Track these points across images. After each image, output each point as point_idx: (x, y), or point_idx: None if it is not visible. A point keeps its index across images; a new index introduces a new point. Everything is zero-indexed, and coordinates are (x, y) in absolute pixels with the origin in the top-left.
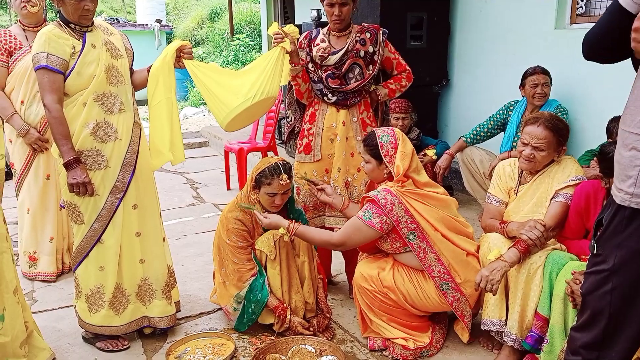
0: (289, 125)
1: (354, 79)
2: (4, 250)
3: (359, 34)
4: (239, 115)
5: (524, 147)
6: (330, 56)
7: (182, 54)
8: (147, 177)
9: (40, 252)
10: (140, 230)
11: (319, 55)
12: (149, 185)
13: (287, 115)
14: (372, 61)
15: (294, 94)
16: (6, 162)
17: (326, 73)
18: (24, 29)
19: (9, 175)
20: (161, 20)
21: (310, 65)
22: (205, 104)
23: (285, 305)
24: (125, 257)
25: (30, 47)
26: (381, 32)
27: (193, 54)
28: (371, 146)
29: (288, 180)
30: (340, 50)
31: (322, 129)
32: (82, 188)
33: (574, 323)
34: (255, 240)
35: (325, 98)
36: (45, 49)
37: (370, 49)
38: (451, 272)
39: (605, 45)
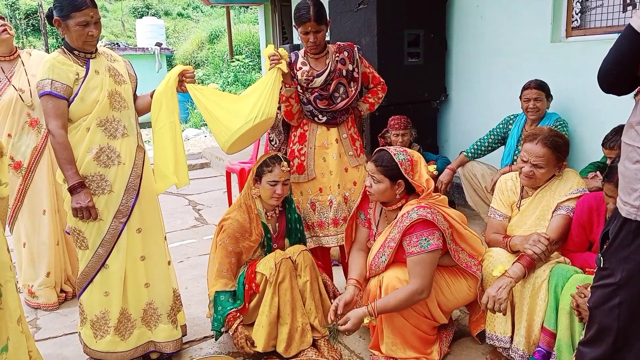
0: (274, 148)
1: (339, 98)
2: (7, 279)
3: (337, 54)
4: (240, 137)
5: (523, 164)
6: (315, 79)
7: (184, 78)
8: (151, 201)
9: (39, 287)
10: (145, 254)
11: (304, 79)
12: (153, 208)
13: (272, 138)
14: (354, 78)
15: (284, 116)
16: None
17: (314, 95)
18: None
19: None
20: (161, 44)
21: (297, 88)
22: (206, 125)
23: (237, 314)
24: (130, 282)
25: (8, 79)
26: (356, 48)
27: (195, 78)
28: (387, 166)
29: (288, 169)
30: (324, 72)
31: (314, 149)
32: (86, 212)
33: (582, 337)
34: (253, 257)
35: (315, 119)
36: (49, 75)
37: (350, 67)
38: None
39: (624, 78)
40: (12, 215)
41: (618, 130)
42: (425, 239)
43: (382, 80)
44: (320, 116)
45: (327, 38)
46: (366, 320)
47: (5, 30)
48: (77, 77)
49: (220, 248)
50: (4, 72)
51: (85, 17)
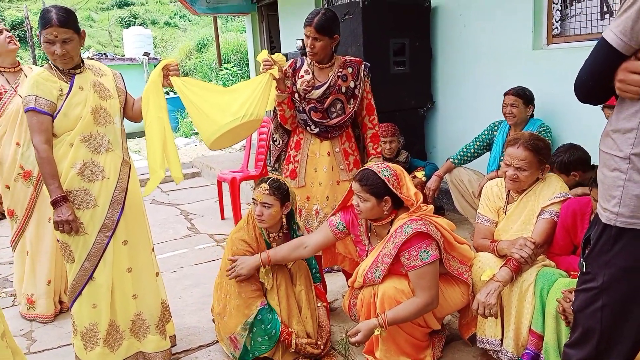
0: (277, 148)
1: (335, 114)
2: None
3: (340, 69)
4: (226, 134)
5: (507, 168)
6: (313, 90)
7: (168, 72)
8: (137, 214)
9: (38, 296)
10: (132, 266)
11: (303, 89)
12: (139, 221)
13: (275, 138)
14: (354, 95)
15: (279, 119)
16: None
17: (309, 106)
18: (2, 72)
19: (3, 215)
20: (149, 54)
21: (295, 95)
22: (197, 134)
23: (290, 329)
24: (118, 294)
25: (15, 90)
26: (363, 66)
27: (179, 71)
28: (371, 185)
29: (267, 192)
30: (323, 85)
31: (307, 157)
32: (67, 226)
33: (568, 340)
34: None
35: (308, 128)
36: (33, 91)
37: (352, 84)
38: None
39: (599, 89)
40: (21, 227)
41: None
42: (425, 250)
43: (375, 113)
44: (313, 127)
45: None
46: (376, 332)
47: (12, 41)
48: (60, 93)
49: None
50: (9, 83)
51: (48, 36)
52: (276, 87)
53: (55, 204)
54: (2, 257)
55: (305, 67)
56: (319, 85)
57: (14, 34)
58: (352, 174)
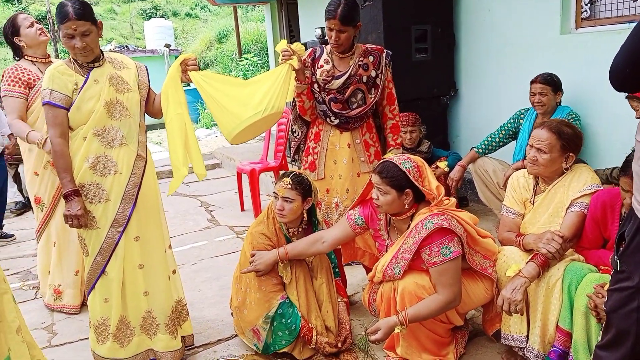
0: (295, 140)
1: (356, 104)
2: (4, 291)
3: (361, 58)
4: (247, 128)
5: (529, 150)
6: (333, 80)
7: (186, 67)
8: (151, 210)
9: (66, 286)
10: (143, 263)
11: (322, 79)
12: (153, 217)
13: (294, 129)
14: (375, 85)
15: (298, 110)
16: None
17: (329, 96)
18: (33, 62)
19: (25, 206)
20: (170, 45)
21: (315, 85)
22: (217, 125)
23: (310, 325)
24: (129, 289)
25: None
26: (384, 54)
27: (198, 65)
28: (392, 177)
29: (289, 187)
30: (344, 74)
31: (326, 150)
32: (75, 220)
33: (599, 340)
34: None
35: (328, 120)
36: (49, 85)
37: (373, 73)
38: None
39: (637, 75)
40: (47, 215)
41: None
42: (446, 246)
43: (396, 103)
44: (332, 118)
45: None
46: (397, 330)
47: (42, 33)
48: (75, 87)
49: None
50: (42, 72)
51: (67, 30)
52: (295, 77)
53: (66, 197)
54: (26, 250)
55: (324, 56)
56: (339, 75)
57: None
58: (373, 166)
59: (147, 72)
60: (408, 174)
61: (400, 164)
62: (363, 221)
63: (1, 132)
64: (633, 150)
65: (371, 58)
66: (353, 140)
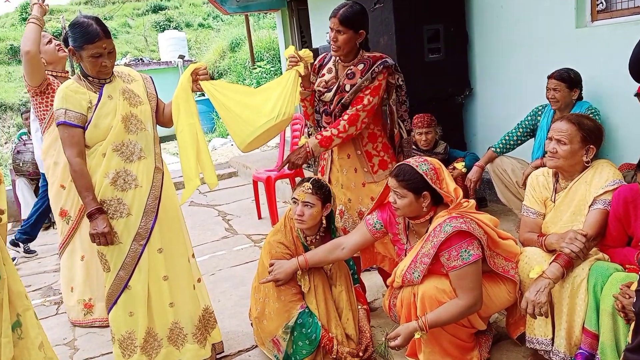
0: None
1: None
2: (26, 307)
3: (352, 67)
4: (260, 135)
5: (549, 143)
6: (326, 93)
7: (197, 77)
8: (172, 221)
9: (96, 299)
10: (168, 274)
11: (318, 90)
12: (175, 228)
13: (311, 132)
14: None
15: (304, 116)
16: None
17: (323, 108)
18: (55, 77)
19: (49, 222)
20: (184, 56)
21: (316, 93)
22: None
23: (330, 334)
24: (155, 302)
25: None
26: (378, 62)
27: (208, 74)
28: (409, 179)
29: (309, 191)
30: (334, 86)
31: (331, 158)
32: (102, 238)
33: (629, 343)
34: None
35: (321, 130)
36: (63, 105)
37: (359, 81)
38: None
39: None
40: (73, 228)
41: None
42: (466, 250)
43: (362, 106)
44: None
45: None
46: (417, 335)
47: (61, 48)
48: (89, 105)
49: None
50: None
51: (97, 49)
52: (300, 83)
53: (91, 216)
54: (47, 265)
55: (329, 64)
56: (332, 87)
57: None
58: (378, 176)
59: (153, 83)
60: (425, 176)
61: (417, 166)
62: (382, 225)
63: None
64: None
65: (360, 66)
66: (354, 151)
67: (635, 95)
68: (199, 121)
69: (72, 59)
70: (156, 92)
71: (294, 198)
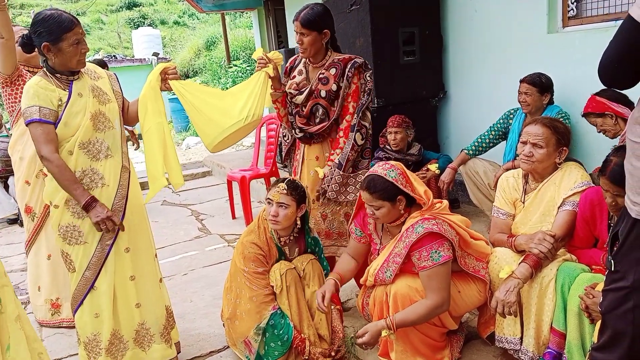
0: (286, 144)
1: (318, 119)
2: (4, 283)
3: (323, 71)
4: (228, 137)
5: (523, 147)
6: (297, 95)
7: (166, 76)
8: (139, 220)
9: (64, 299)
10: (135, 274)
11: (289, 92)
12: (141, 227)
13: (285, 133)
14: (337, 97)
15: (277, 118)
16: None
17: (296, 110)
18: (29, 70)
19: (14, 221)
20: (158, 54)
21: (287, 96)
22: None
23: (302, 335)
24: (121, 302)
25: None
26: (351, 63)
27: (178, 74)
28: (381, 190)
29: (284, 192)
30: (306, 89)
31: (302, 159)
32: (109, 223)
33: (594, 342)
34: (270, 269)
35: (294, 131)
36: (35, 102)
37: (334, 87)
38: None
39: (626, 71)
40: (37, 225)
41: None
42: (436, 251)
43: (350, 115)
44: (297, 131)
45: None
46: (384, 334)
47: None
48: (60, 102)
49: (249, 275)
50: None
51: (76, 36)
52: (271, 85)
53: (88, 207)
54: (13, 265)
55: (300, 66)
56: (303, 90)
57: None
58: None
59: (118, 80)
60: (396, 183)
61: (385, 175)
62: (361, 231)
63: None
64: (613, 149)
65: (333, 70)
66: (322, 153)
67: (582, 116)
68: (166, 120)
69: (46, 55)
70: (121, 90)
71: (268, 199)
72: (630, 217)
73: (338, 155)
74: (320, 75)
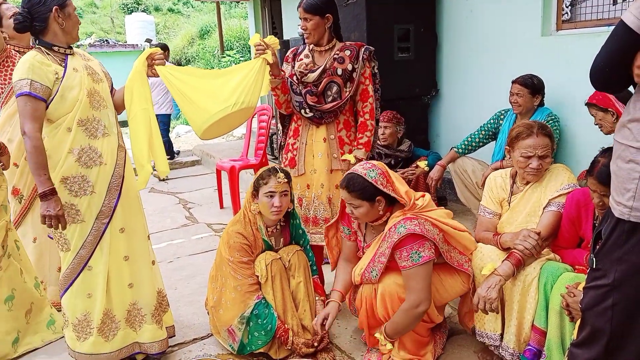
0: (281, 137)
1: (331, 97)
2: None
3: (338, 52)
4: (217, 123)
5: (529, 160)
6: (309, 74)
7: (153, 62)
8: (133, 200)
9: (48, 283)
10: (129, 254)
11: (299, 71)
12: (136, 208)
13: (279, 128)
14: (351, 79)
15: (274, 104)
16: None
17: (306, 89)
18: (18, 51)
19: None
20: (151, 40)
21: (294, 77)
22: None
23: (286, 326)
24: (114, 282)
25: None
26: (363, 49)
27: (164, 60)
28: (360, 189)
29: (286, 180)
30: (319, 68)
31: (305, 144)
32: (55, 221)
33: (574, 338)
34: (256, 258)
35: (302, 111)
36: (28, 75)
37: (350, 67)
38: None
39: (617, 76)
40: (25, 208)
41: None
42: (416, 252)
43: (372, 99)
44: (307, 110)
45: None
46: (386, 345)
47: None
48: (56, 76)
49: (234, 265)
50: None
51: (73, 4)
52: (269, 72)
53: (44, 196)
54: None
55: (305, 51)
56: (315, 69)
57: None
58: (345, 165)
59: (104, 67)
60: (375, 183)
61: (365, 175)
62: (348, 229)
63: None
64: (601, 150)
65: (348, 52)
66: (328, 135)
67: (585, 105)
68: (152, 106)
69: (57, 21)
70: (109, 74)
71: (269, 192)
72: (613, 217)
73: (368, 137)
74: (336, 55)
